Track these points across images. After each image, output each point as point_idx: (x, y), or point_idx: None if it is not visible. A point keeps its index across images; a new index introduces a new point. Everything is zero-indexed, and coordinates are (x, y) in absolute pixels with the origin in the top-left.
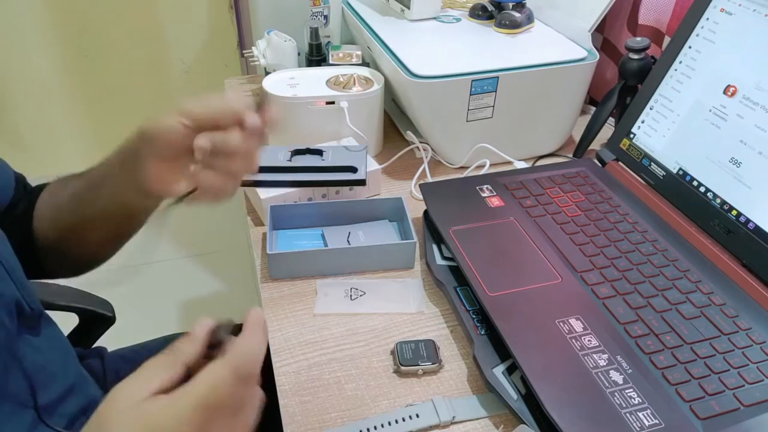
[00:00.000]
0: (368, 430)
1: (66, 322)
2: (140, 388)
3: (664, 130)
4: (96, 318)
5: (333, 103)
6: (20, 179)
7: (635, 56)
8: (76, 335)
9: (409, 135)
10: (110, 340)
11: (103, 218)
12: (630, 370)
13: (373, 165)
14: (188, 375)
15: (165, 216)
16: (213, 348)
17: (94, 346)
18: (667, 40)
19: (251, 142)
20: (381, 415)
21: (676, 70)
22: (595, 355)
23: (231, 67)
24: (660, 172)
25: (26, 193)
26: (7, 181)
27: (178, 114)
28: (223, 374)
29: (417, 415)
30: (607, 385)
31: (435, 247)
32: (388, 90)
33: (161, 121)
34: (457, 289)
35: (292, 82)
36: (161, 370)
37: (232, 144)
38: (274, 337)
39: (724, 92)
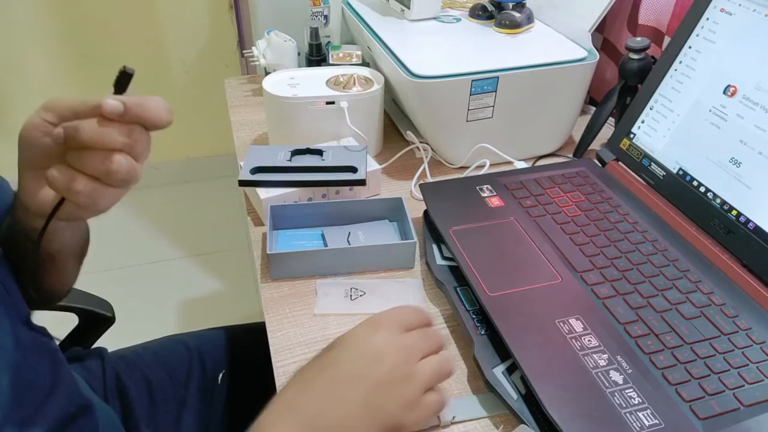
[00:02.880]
0: None
1: (65, 322)
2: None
3: (664, 130)
4: (95, 318)
5: (333, 103)
6: None
7: (635, 56)
8: (75, 335)
9: (409, 135)
10: (110, 341)
11: (19, 247)
12: (630, 370)
13: (373, 165)
14: None
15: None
16: None
17: (94, 346)
18: (667, 40)
19: (114, 133)
20: None
21: (676, 70)
22: (595, 355)
23: (231, 67)
24: (660, 172)
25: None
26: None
27: (41, 109)
28: None
29: None
30: (607, 385)
31: (435, 247)
32: (388, 90)
33: (26, 122)
34: (457, 289)
35: (292, 82)
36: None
37: (85, 131)
38: (274, 337)
39: (724, 92)
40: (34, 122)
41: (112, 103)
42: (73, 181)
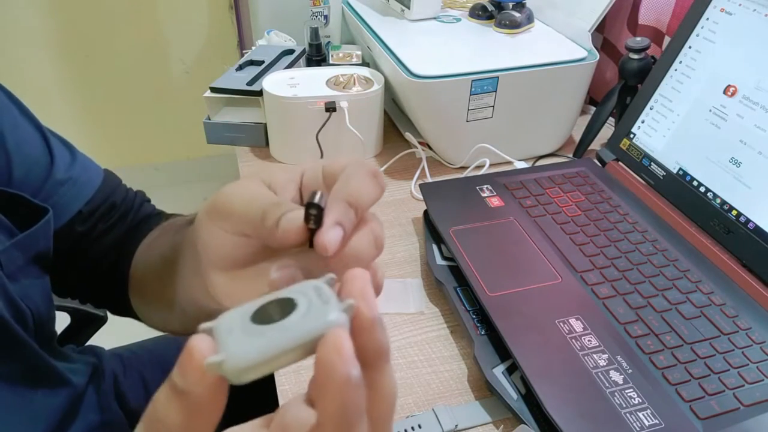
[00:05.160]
0: None
1: (58, 321)
2: None
3: (664, 130)
4: (88, 318)
5: (333, 110)
6: (129, 199)
7: (635, 56)
8: (67, 335)
9: (408, 136)
10: (108, 340)
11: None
12: (630, 370)
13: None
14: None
15: None
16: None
17: (91, 345)
18: (667, 40)
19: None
20: None
21: (676, 70)
22: (595, 355)
23: None
24: (660, 172)
25: (124, 220)
26: (80, 191)
27: (211, 214)
28: None
29: (419, 426)
30: (607, 385)
31: (435, 247)
32: (388, 90)
33: (199, 225)
34: (457, 289)
35: (292, 82)
36: None
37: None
38: None
39: (724, 92)
40: (214, 235)
41: (332, 240)
42: None
